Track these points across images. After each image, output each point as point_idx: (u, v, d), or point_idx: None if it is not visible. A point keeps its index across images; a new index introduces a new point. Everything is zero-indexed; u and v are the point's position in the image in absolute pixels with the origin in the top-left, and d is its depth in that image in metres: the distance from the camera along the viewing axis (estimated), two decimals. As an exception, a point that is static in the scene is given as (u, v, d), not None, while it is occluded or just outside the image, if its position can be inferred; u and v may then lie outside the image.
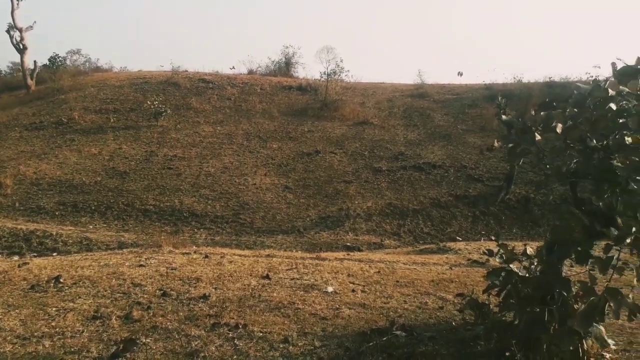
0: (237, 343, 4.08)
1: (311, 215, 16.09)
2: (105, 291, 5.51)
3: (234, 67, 33.69)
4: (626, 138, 3.20)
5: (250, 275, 6.41)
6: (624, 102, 3.14)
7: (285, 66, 34.80)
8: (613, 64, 3.11)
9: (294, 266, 7.13)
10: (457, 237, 14.63)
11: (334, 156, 20.69)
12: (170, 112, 24.04)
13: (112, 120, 23.58)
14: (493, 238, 13.65)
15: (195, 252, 8.39)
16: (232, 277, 6.30)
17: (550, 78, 28.04)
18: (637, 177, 3.24)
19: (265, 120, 24.26)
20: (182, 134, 22.38)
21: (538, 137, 3.43)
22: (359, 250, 12.92)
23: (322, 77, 28.34)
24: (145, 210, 16.02)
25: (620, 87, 3.10)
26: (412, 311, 5.03)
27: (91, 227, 14.64)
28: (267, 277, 6.30)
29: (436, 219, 16.22)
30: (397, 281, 6.46)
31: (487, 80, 29.64)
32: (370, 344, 3.96)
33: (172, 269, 6.66)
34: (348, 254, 9.71)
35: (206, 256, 7.73)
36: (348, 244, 13.88)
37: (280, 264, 7.35)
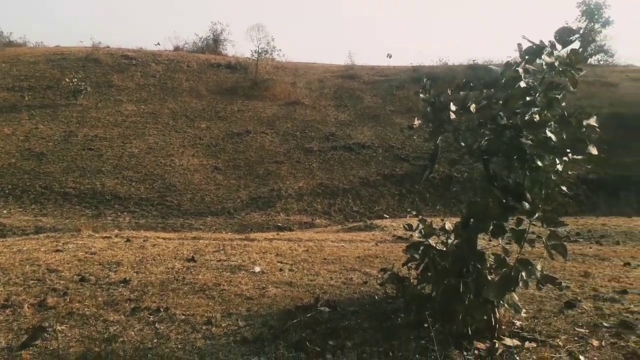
0: (158, 327, 3.97)
1: (242, 196, 15.91)
2: (18, 278, 5.18)
3: (159, 44, 32.49)
4: (534, 116, 3.37)
5: (175, 258, 6.25)
6: (531, 80, 3.29)
7: (214, 43, 33.94)
8: (519, 45, 3.25)
9: (221, 248, 7.03)
10: (385, 215, 15.02)
11: (265, 136, 20.51)
12: (90, 90, 22.77)
13: (26, 99, 21.99)
14: (414, 213, 14.16)
15: (116, 235, 8.07)
16: (155, 260, 6.12)
17: (473, 61, 29.26)
18: (543, 154, 3.43)
19: (192, 98, 23.56)
20: (103, 112, 21.29)
21: (453, 115, 3.53)
22: (290, 230, 12.96)
23: (252, 55, 27.87)
24: (65, 194, 15.18)
25: (527, 66, 3.25)
26: (338, 287, 5.10)
27: (5, 211, 13.69)
28: (193, 259, 6.16)
29: (365, 197, 16.55)
30: (325, 259, 6.53)
31: (415, 63, 30.44)
32: (295, 321, 3.98)
33: (91, 254, 6.38)
34: (278, 234, 9.72)
35: (128, 240, 7.45)
36: (279, 224, 13.88)
37: (207, 245, 7.22)
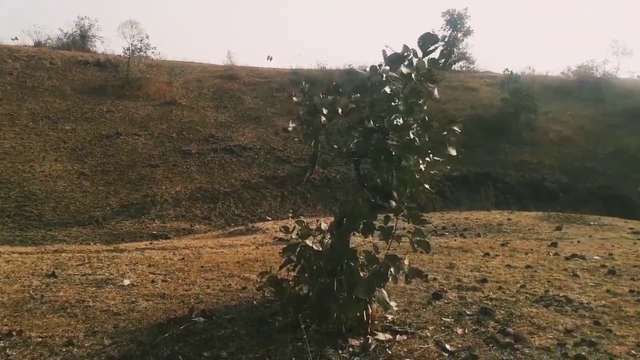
0: (10, 353, 3.54)
1: (112, 204, 14.91)
2: None
3: (16, 38, 29.20)
4: (398, 120, 3.53)
5: (32, 275, 5.64)
6: (394, 86, 3.44)
7: (81, 39, 31.59)
8: (384, 52, 3.38)
9: (86, 260, 6.49)
10: (267, 217, 15.01)
11: (138, 138, 19.44)
12: None
13: None
14: (290, 216, 14.38)
15: (-38, 253, 7.10)
16: (8, 278, 5.48)
17: (350, 65, 30.37)
18: (408, 155, 3.61)
19: (55, 98, 21.58)
20: (-53, 114, 18.74)
21: (324, 119, 3.58)
22: (167, 237, 12.42)
23: (125, 53, 26.34)
24: None
25: (391, 72, 3.39)
26: (215, 295, 4.95)
27: None
28: (53, 275, 5.62)
29: (247, 200, 16.39)
30: (202, 266, 6.32)
31: (294, 66, 30.92)
32: (166, 334, 3.77)
33: None
34: (151, 243, 9.24)
35: (-24, 257, 6.59)
36: (154, 232, 13.24)
37: (70, 259, 6.62)
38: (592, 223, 11.66)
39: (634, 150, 21.97)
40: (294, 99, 3.96)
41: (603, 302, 4.57)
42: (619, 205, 17.78)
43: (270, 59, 29.81)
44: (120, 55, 26.72)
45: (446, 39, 35.47)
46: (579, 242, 8.57)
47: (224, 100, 24.61)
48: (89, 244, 10.08)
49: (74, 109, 20.99)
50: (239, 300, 4.77)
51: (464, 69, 37.29)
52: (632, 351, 3.43)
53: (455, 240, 8.85)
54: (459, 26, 35.72)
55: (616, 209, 16.73)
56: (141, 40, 26.74)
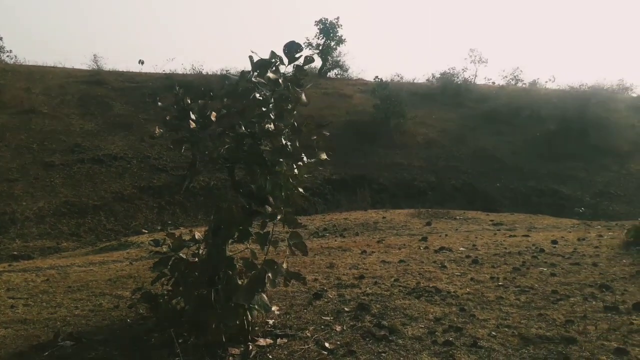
0: None
1: (-39, 225, 13.21)
2: None
3: None
4: (269, 125, 3.56)
5: None
6: (263, 92, 3.47)
7: None
8: (251, 57, 3.39)
9: None
10: (143, 230, 14.26)
11: (-7, 151, 17.47)
12: None
13: None
14: (159, 228, 13.75)
15: None
16: None
17: (227, 71, 30.02)
18: (281, 160, 3.65)
19: None
20: None
21: (193, 124, 3.50)
22: (30, 258, 11.27)
23: (-25, 57, 23.60)
24: None
25: (259, 78, 3.41)
26: (84, 316, 4.58)
27: None
28: None
29: (120, 213, 15.45)
30: (69, 287, 5.82)
31: (168, 70, 29.88)
32: (27, 364, 3.43)
33: None
34: (10, 265, 8.34)
35: None
36: (15, 252, 11.98)
37: None
38: (457, 217, 12.68)
39: (491, 149, 24.31)
40: (159, 103, 3.82)
41: (468, 289, 4.97)
42: (480, 200, 19.56)
43: (142, 62, 28.49)
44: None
45: (320, 47, 36.48)
46: (446, 235, 9.21)
47: (90, 107, 22.98)
48: None
49: None
50: (111, 319, 4.47)
51: (338, 76, 38.60)
52: (493, 332, 3.78)
53: (335, 241, 9.09)
54: (331, 35, 36.88)
55: (478, 203, 18.39)
56: (-7, 43, 24.21)
